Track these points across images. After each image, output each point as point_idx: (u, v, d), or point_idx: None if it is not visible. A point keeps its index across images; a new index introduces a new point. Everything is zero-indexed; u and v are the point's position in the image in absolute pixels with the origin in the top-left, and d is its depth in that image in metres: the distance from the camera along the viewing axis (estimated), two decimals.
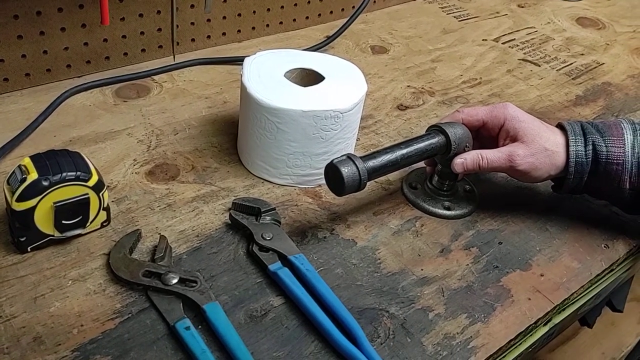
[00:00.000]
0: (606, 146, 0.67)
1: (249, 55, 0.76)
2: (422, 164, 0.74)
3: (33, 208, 0.57)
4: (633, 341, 1.31)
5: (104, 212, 0.63)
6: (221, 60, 0.96)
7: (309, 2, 1.07)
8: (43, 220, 0.59)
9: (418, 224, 0.71)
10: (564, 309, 0.67)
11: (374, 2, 1.18)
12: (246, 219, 0.66)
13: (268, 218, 0.66)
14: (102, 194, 0.61)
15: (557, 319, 0.66)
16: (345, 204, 0.73)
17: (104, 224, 0.64)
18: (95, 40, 0.87)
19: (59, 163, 0.58)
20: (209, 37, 0.98)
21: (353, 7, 1.12)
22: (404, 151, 0.66)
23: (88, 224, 0.62)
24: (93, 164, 0.61)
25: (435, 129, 0.70)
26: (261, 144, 0.72)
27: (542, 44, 1.16)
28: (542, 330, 0.65)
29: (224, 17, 0.98)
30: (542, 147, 0.67)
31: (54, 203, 0.58)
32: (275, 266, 0.61)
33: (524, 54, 1.11)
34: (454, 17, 1.22)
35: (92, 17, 0.84)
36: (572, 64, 1.10)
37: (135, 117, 0.82)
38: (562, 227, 0.73)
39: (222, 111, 0.86)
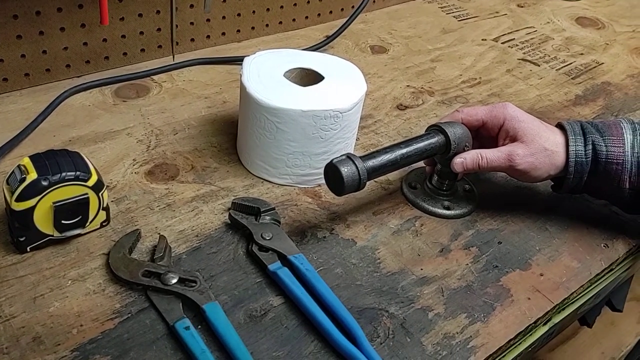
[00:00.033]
0: (606, 146, 0.67)
1: (248, 55, 0.76)
2: (421, 163, 0.74)
3: (32, 208, 0.57)
4: (633, 341, 1.31)
5: (104, 212, 0.63)
6: (220, 60, 0.96)
7: (308, 2, 1.07)
8: (42, 220, 0.59)
9: (418, 223, 0.71)
10: (563, 309, 0.67)
11: (374, 1, 1.18)
12: (246, 219, 0.66)
13: (267, 218, 0.66)
14: (102, 194, 0.61)
15: (556, 319, 0.66)
16: (345, 203, 0.73)
17: (104, 224, 0.64)
18: (94, 40, 0.87)
19: (58, 163, 0.58)
20: (208, 37, 0.98)
21: (352, 6, 1.13)
22: (404, 151, 0.66)
23: (87, 223, 0.62)
24: (92, 164, 0.61)
25: (435, 129, 0.70)
26: (261, 144, 0.72)
27: (541, 44, 1.16)
28: (542, 330, 0.65)
29: (224, 17, 0.98)
30: (541, 147, 0.67)
31: (54, 203, 0.58)
32: (274, 266, 0.61)
33: (524, 53, 1.11)
34: (454, 16, 1.22)
35: (92, 17, 0.84)
36: (571, 63, 1.10)
37: (134, 117, 0.82)
38: (561, 226, 0.73)
39: (222, 111, 0.86)
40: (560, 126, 0.70)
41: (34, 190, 0.56)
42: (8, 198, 0.57)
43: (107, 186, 0.69)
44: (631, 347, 1.29)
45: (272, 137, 0.70)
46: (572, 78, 1.05)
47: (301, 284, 0.60)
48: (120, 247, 0.61)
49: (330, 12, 1.12)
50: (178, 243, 0.64)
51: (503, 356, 0.61)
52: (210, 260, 0.63)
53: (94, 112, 0.82)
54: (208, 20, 0.97)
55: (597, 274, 0.69)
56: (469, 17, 1.23)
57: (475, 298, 0.63)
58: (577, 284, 0.66)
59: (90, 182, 0.59)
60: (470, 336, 0.59)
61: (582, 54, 1.14)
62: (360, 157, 0.63)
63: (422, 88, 0.97)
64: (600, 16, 1.30)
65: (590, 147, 0.67)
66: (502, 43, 1.14)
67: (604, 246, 0.72)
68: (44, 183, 0.57)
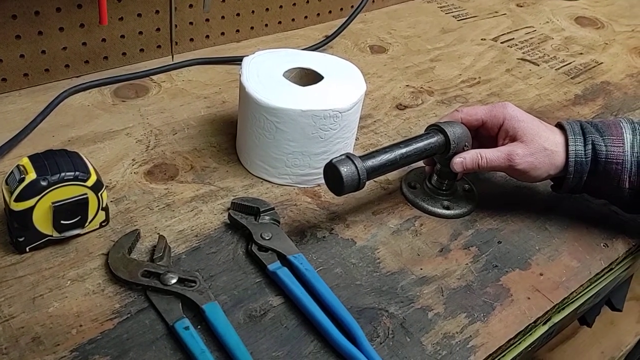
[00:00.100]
0: (605, 145, 0.67)
1: (247, 55, 0.76)
2: (421, 163, 0.74)
3: (31, 208, 0.57)
4: (632, 340, 1.31)
5: (103, 212, 0.63)
6: (220, 60, 0.96)
7: (307, 1, 1.07)
8: (41, 221, 0.59)
9: (417, 223, 0.71)
10: (563, 308, 0.67)
11: (373, 1, 1.18)
12: (245, 219, 0.66)
13: (267, 218, 0.66)
14: (101, 194, 0.61)
15: (556, 318, 0.66)
16: (345, 203, 0.73)
17: (103, 224, 0.64)
18: (93, 40, 0.87)
19: (57, 163, 0.58)
20: (207, 36, 0.98)
21: (352, 6, 1.13)
22: (403, 150, 0.66)
23: (87, 224, 0.62)
24: (92, 164, 0.61)
25: (434, 129, 0.70)
26: (260, 144, 0.72)
27: (541, 44, 1.16)
28: (542, 330, 0.65)
29: (223, 17, 0.98)
30: (541, 147, 0.67)
31: (53, 203, 0.58)
32: (274, 266, 0.61)
33: (523, 53, 1.11)
34: (453, 16, 1.22)
35: (91, 17, 0.84)
36: (571, 63, 1.10)
37: (133, 117, 0.82)
38: (561, 226, 0.73)
39: (221, 111, 0.86)
40: (559, 126, 0.70)
41: (33, 190, 0.56)
42: (7, 198, 0.57)
43: (107, 186, 0.69)
44: (631, 347, 1.29)
45: (272, 137, 0.70)
46: (571, 78, 1.05)
47: (301, 284, 0.60)
48: (120, 247, 0.61)
49: (330, 12, 1.12)
50: (177, 243, 0.64)
51: (503, 356, 0.61)
52: (210, 260, 0.63)
53: (93, 112, 0.82)
54: (207, 20, 0.97)
55: (597, 274, 0.69)
56: (468, 16, 1.22)
57: (475, 298, 0.63)
58: (576, 283, 0.66)
59: (90, 182, 0.59)
60: (470, 336, 0.59)
61: (581, 53, 1.14)
62: (360, 157, 0.63)
63: (421, 88, 0.97)
64: (600, 16, 1.30)
65: (590, 146, 0.67)
66: (501, 43, 1.14)
67: (603, 246, 0.72)
68: (43, 183, 0.56)
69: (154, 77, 0.90)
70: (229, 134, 0.81)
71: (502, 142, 0.70)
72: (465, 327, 0.60)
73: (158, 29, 0.92)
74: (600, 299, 0.82)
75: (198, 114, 0.84)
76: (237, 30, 1.01)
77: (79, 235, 0.63)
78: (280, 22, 1.06)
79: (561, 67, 1.08)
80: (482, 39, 1.14)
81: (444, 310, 0.61)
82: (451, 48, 1.10)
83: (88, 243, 0.63)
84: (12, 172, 0.58)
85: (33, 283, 0.58)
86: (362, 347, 0.55)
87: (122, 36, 0.89)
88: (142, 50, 0.92)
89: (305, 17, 1.09)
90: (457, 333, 0.59)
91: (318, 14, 1.10)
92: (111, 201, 0.68)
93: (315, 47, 1.00)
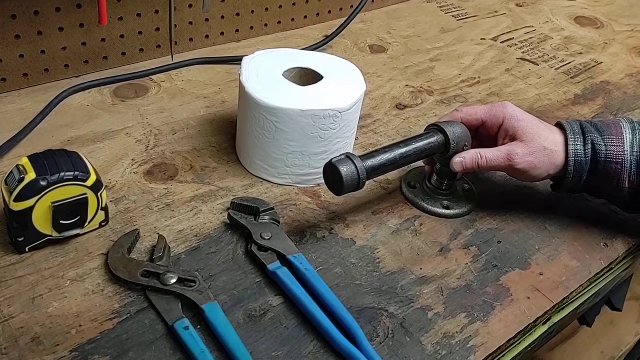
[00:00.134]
0: (605, 145, 0.67)
1: (247, 55, 0.76)
2: (421, 163, 0.74)
3: (31, 208, 0.57)
4: (632, 340, 1.31)
5: (103, 212, 0.63)
6: (219, 59, 0.96)
7: (307, 1, 1.07)
8: (41, 221, 0.58)
9: (417, 223, 0.71)
10: (563, 308, 0.67)
11: (372, 1, 1.18)
12: (245, 219, 0.66)
13: (267, 218, 0.66)
14: (101, 194, 0.61)
15: (556, 318, 0.66)
16: (344, 203, 0.73)
17: (103, 224, 0.64)
18: (93, 40, 0.86)
19: (57, 163, 0.58)
20: (207, 36, 0.98)
21: (351, 6, 1.12)
22: (403, 150, 0.66)
23: (86, 224, 0.62)
24: (91, 164, 0.61)
25: (434, 128, 0.70)
26: (260, 144, 0.72)
27: (540, 43, 1.16)
28: (542, 330, 0.65)
29: (222, 17, 0.98)
30: (541, 146, 0.67)
31: (52, 203, 0.58)
32: (274, 266, 0.61)
33: (523, 53, 1.11)
34: (453, 16, 1.22)
35: (90, 17, 0.84)
36: (570, 63, 1.10)
37: (133, 117, 0.82)
38: (561, 226, 0.73)
39: (221, 111, 0.86)
40: (559, 125, 0.70)
41: (32, 190, 0.56)
42: (7, 198, 0.57)
43: (106, 186, 0.69)
44: (631, 347, 1.29)
45: (271, 137, 0.70)
46: (571, 77, 1.05)
47: (300, 284, 0.60)
48: (119, 247, 0.61)
49: (329, 11, 1.12)
50: (177, 243, 0.64)
51: (503, 356, 0.61)
52: (210, 260, 0.63)
53: (93, 112, 0.82)
54: (207, 20, 0.97)
55: (597, 273, 0.69)
56: (468, 16, 1.22)
57: (474, 297, 0.63)
58: (576, 283, 0.66)
59: (89, 182, 0.59)
60: (470, 336, 0.59)
61: (581, 53, 1.14)
62: (360, 157, 0.63)
63: (421, 87, 0.97)
64: (599, 15, 1.30)
65: (589, 146, 0.67)
66: (501, 42, 1.14)
67: (603, 245, 0.72)
68: (43, 183, 0.56)
69: (154, 77, 0.90)
70: (229, 134, 0.81)
71: (501, 142, 0.70)
72: (465, 327, 0.60)
73: (158, 29, 0.92)
74: (600, 299, 0.82)
75: (198, 113, 0.84)
76: (237, 30, 1.01)
77: (78, 235, 0.63)
78: (279, 22, 1.06)
79: (561, 66, 1.08)
80: (481, 39, 1.14)
81: (444, 310, 0.61)
82: (451, 48, 1.10)
83: (88, 243, 0.63)
84: (11, 172, 0.58)
85: (33, 283, 0.58)
86: (362, 347, 0.55)
87: (122, 36, 0.89)
88: (141, 50, 0.92)
89: (305, 17, 1.09)
90: (457, 333, 0.59)
91: (318, 14, 1.10)
92: (111, 201, 0.68)
93: (315, 47, 1.00)
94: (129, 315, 0.56)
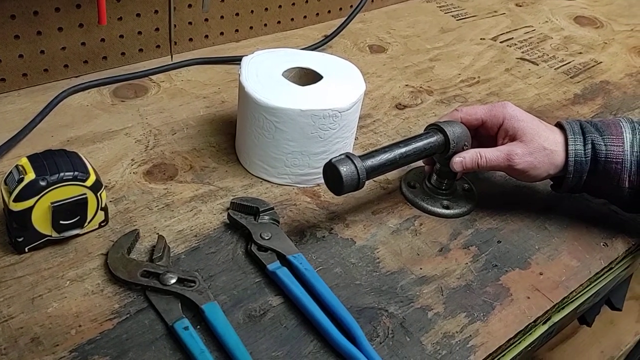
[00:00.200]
0: (605, 145, 0.67)
1: (246, 55, 0.76)
2: (420, 162, 0.74)
3: (30, 208, 0.57)
4: (632, 340, 1.31)
5: (102, 212, 0.63)
6: (219, 59, 0.96)
7: (306, 1, 1.07)
8: (40, 221, 0.58)
9: (417, 223, 0.71)
10: (563, 308, 0.67)
11: (372, 1, 1.18)
12: (244, 219, 0.66)
13: (266, 217, 0.66)
14: (100, 194, 0.61)
15: (556, 318, 0.66)
16: (344, 203, 0.73)
17: (102, 224, 0.64)
18: (92, 40, 0.86)
19: (56, 163, 0.58)
20: (206, 36, 0.98)
21: (351, 6, 1.12)
22: (403, 150, 0.66)
23: (86, 224, 0.62)
24: (91, 164, 0.61)
25: (434, 128, 0.70)
26: (259, 144, 0.71)
27: (540, 43, 1.16)
28: (541, 329, 0.65)
29: (222, 17, 0.98)
30: (540, 146, 0.67)
31: (52, 203, 0.58)
32: (273, 266, 0.61)
33: (522, 52, 1.11)
34: (452, 16, 1.22)
35: (90, 17, 0.84)
36: (570, 62, 1.10)
37: (133, 117, 0.82)
38: (561, 225, 0.73)
39: (220, 111, 0.85)
40: (559, 125, 0.70)
41: (32, 190, 0.56)
42: (6, 198, 0.57)
43: (106, 186, 0.69)
44: (630, 346, 1.29)
45: (271, 137, 0.70)
46: (570, 77, 1.05)
47: (300, 284, 0.60)
48: (119, 247, 0.61)
49: (329, 11, 1.12)
50: (177, 243, 0.64)
51: (503, 355, 0.61)
52: (209, 260, 0.63)
53: (92, 112, 0.82)
54: (206, 20, 0.97)
55: (597, 273, 0.69)
56: (467, 16, 1.22)
57: (474, 297, 0.63)
58: (576, 282, 0.66)
59: (89, 182, 0.59)
60: (470, 335, 0.59)
61: (580, 53, 1.14)
62: (359, 157, 0.63)
63: (420, 87, 0.97)
64: (599, 15, 1.30)
65: (589, 146, 0.67)
66: (500, 42, 1.14)
67: (603, 245, 0.72)
68: (42, 183, 0.56)
69: (153, 77, 0.90)
70: (228, 134, 0.81)
71: (501, 142, 0.70)
72: (465, 326, 0.60)
73: (157, 29, 0.92)
74: (600, 299, 0.82)
75: (197, 113, 0.84)
76: (236, 30, 1.01)
77: (78, 235, 0.63)
78: (279, 22, 1.06)
79: (560, 66, 1.08)
80: (481, 39, 1.14)
81: (444, 309, 0.61)
82: (450, 48, 1.10)
83: (87, 243, 0.63)
84: (11, 172, 0.58)
85: (32, 283, 0.58)
86: (361, 346, 0.55)
87: (121, 36, 0.89)
88: (141, 50, 0.92)
89: (305, 16, 1.09)
90: (456, 333, 0.59)
91: (317, 14, 1.10)
92: (110, 201, 0.68)
93: (314, 47, 1.00)
94: (128, 315, 0.56)
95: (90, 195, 0.60)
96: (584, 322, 1.10)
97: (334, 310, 0.58)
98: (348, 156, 0.62)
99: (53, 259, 0.61)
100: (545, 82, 1.03)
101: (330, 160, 0.62)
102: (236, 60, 0.96)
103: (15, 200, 0.56)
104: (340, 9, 1.13)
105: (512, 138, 0.68)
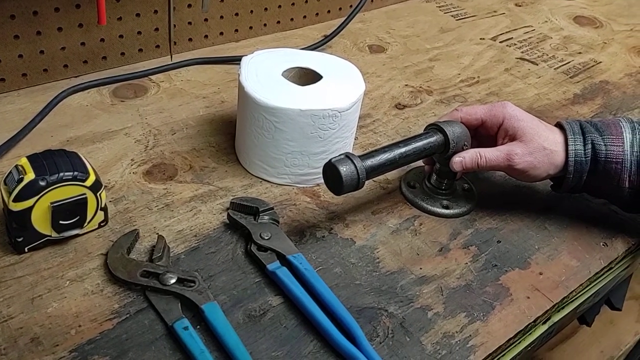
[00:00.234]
0: (605, 145, 0.67)
1: (246, 55, 0.76)
2: (420, 162, 0.74)
3: (30, 208, 0.57)
4: (632, 339, 1.32)
5: (102, 212, 0.63)
6: (219, 59, 0.96)
7: (306, 1, 1.07)
8: (40, 221, 0.58)
9: (417, 222, 0.71)
10: (562, 308, 0.67)
11: (372, 1, 1.18)
12: (244, 219, 0.66)
13: (266, 217, 0.66)
14: (100, 194, 0.61)
15: (556, 318, 0.66)
16: (344, 203, 0.73)
17: (102, 224, 0.64)
18: (92, 40, 0.86)
19: (56, 163, 0.58)
20: (206, 36, 0.98)
21: (350, 6, 1.12)
22: (402, 150, 0.66)
23: (85, 224, 0.62)
24: (90, 164, 0.61)
25: (434, 128, 0.70)
26: (259, 144, 0.71)
27: (539, 43, 1.16)
28: (541, 329, 0.65)
29: (222, 17, 0.98)
30: (540, 146, 0.67)
31: (51, 203, 0.58)
32: (273, 266, 0.61)
33: (522, 52, 1.11)
34: (452, 16, 1.22)
35: (89, 17, 0.84)
36: (569, 62, 1.10)
37: (132, 117, 0.82)
38: (561, 225, 0.73)
39: (220, 111, 0.85)
40: (559, 125, 0.70)
41: (31, 190, 0.56)
42: (5, 198, 0.57)
43: (105, 186, 0.68)
44: (630, 346, 1.29)
45: (271, 137, 0.70)
46: (570, 77, 1.05)
47: (300, 284, 0.60)
48: (119, 248, 0.61)
49: (328, 11, 1.12)
50: (176, 243, 0.64)
51: (502, 355, 0.61)
52: (209, 260, 0.63)
53: (92, 112, 0.82)
54: (206, 20, 0.96)
55: (596, 273, 0.69)
56: (466, 16, 1.22)
57: (474, 297, 0.63)
58: (576, 282, 0.66)
59: (88, 182, 0.59)
60: (470, 335, 0.59)
61: (580, 52, 1.14)
62: (359, 157, 0.63)
63: (420, 87, 0.97)
64: (598, 15, 1.30)
65: (589, 146, 0.67)
66: (500, 42, 1.14)
67: (603, 245, 0.72)
68: (42, 183, 0.56)
69: (153, 77, 0.90)
70: (228, 134, 0.81)
71: (501, 142, 0.70)
72: (465, 326, 0.60)
73: (157, 29, 0.92)
74: (599, 298, 0.82)
75: (197, 113, 0.84)
76: (236, 30, 1.01)
77: (77, 235, 0.62)
78: (279, 22, 1.06)
79: (560, 66, 1.08)
80: (480, 39, 1.14)
81: (444, 309, 0.61)
82: (450, 47, 1.10)
83: (87, 243, 0.63)
84: (10, 172, 0.58)
85: (32, 283, 0.58)
86: (361, 346, 0.55)
87: (121, 36, 0.89)
88: (140, 50, 0.92)
89: (304, 16, 1.09)
90: (456, 332, 0.59)
91: (317, 14, 1.10)
92: (110, 201, 0.68)
93: (314, 47, 1.00)
94: (128, 315, 0.56)
95: (89, 195, 0.60)
96: (584, 322, 1.10)
97: (333, 310, 0.58)
98: (348, 156, 0.62)
99: (53, 259, 0.61)
100: (545, 82, 1.03)
101: (330, 160, 0.62)
102: (236, 60, 0.96)
103: (14, 200, 0.56)
104: (340, 8, 1.13)
105: (512, 138, 0.68)
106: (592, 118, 0.94)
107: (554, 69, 1.07)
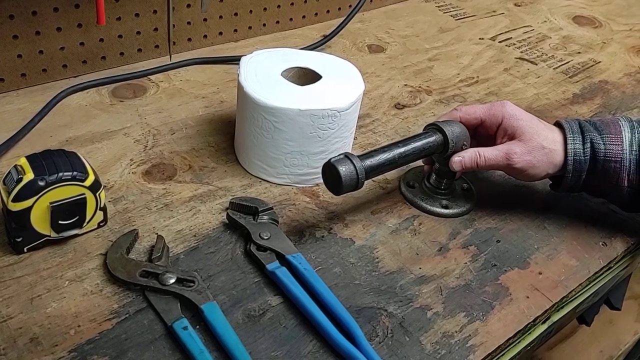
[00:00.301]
0: (604, 144, 0.67)
1: (245, 55, 0.76)
2: (420, 162, 0.74)
3: (29, 208, 0.57)
4: (631, 339, 1.32)
5: (101, 212, 0.63)
6: (218, 59, 0.96)
7: (305, 1, 1.07)
8: (39, 221, 0.58)
9: (416, 222, 0.71)
10: (562, 307, 0.67)
11: (371, 1, 1.18)
12: (244, 219, 0.66)
13: (265, 217, 0.66)
14: (99, 194, 0.61)
15: (555, 317, 0.66)
16: (343, 203, 0.72)
17: (101, 224, 0.64)
18: (91, 40, 0.86)
19: (55, 163, 0.58)
20: (205, 36, 0.98)
21: (350, 6, 1.12)
22: (402, 150, 0.66)
23: (85, 224, 0.62)
24: (89, 164, 0.61)
25: (433, 128, 0.70)
26: (258, 143, 0.71)
27: (538, 43, 1.16)
28: (541, 329, 0.65)
29: (221, 17, 0.98)
30: (539, 145, 0.67)
31: (51, 203, 0.58)
32: (273, 265, 0.61)
33: (521, 52, 1.11)
34: (451, 16, 1.22)
35: (88, 17, 0.84)
36: (568, 62, 1.10)
37: (131, 117, 0.82)
38: (560, 225, 0.73)
39: (219, 111, 0.85)
40: (558, 124, 0.70)
41: (30, 190, 0.56)
42: (5, 198, 0.57)
43: (105, 186, 0.69)
44: (630, 346, 1.29)
45: (270, 137, 0.70)
46: (569, 77, 1.05)
47: (299, 284, 0.59)
48: (118, 248, 0.61)
49: (328, 11, 1.12)
50: (176, 243, 0.64)
51: (502, 355, 0.61)
52: (208, 260, 0.63)
53: (91, 112, 0.82)
54: (205, 19, 0.96)
55: (596, 272, 0.69)
56: (466, 16, 1.23)
57: (474, 297, 0.63)
58: (575, 282, 0.66)
59: (88, 182, 0.59)
60: (469, 335, 0.59)
61: (579, 52, 1.14)
62: (358, 157, 0.63)
63: (419, 87, 0.97)
64: (597, 15, 1.30)
65: (588, 145, 0.67)
66: (499, 42, 1.14)
67: (602, 244, 0.72)
68: (41, 183, 0.56)
69: (152, 77, 0.90)
70: (227, 134, 0.81)
71: (500, 141, 0.70)
72: (465, 326, 0.60)
73: (156, 29, 0.92)
74: (599, 298, 0.82)
75: (196, 113, 0.84)
76: (235, 30, 1.01)
77: (77, 235, 0.62)
78: (278, 22, 1.06)
79: (559, 66, 1.08)
80: (480, 39, 1.14)
81: (443, 309, 0.61)
82: (449, 47, 1.10)
83: (86, 243, 0.63)
84: (9, 172, 0.58)
85: (31, 283, 0.58)
86: (361, 346, 0.55)
87: (120, 36, 0.89)
88: (139, 50, 0.92)
89: (303, 16, 1.09)
90: (456, 332, 0.59)
91: (316, 14, 1.10)
92: (109, 201, 0.68)
93: (313, 47, 1.00)
94: (127, 315, 0.56)
95: (89, 195, 0.60)
96: (583, 322, 1.10)
97: (333, 310, 0.58)
98: (347, 156, 0.62)
99: (52, 259, 0.61)
100: (544, 81, 1.03)
101: (329, 160, 0.62)
102: (235, 60, 0.96)
103: (14, 200, 0.56)
104: (339, 8, 1.13)
105: (511, 137, 0.68)
106: (591, 117, 0.94)
107: (553, 68, 1.07)
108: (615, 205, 0.73)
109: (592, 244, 0.71)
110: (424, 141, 0.68)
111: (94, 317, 0.56)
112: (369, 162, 0.63)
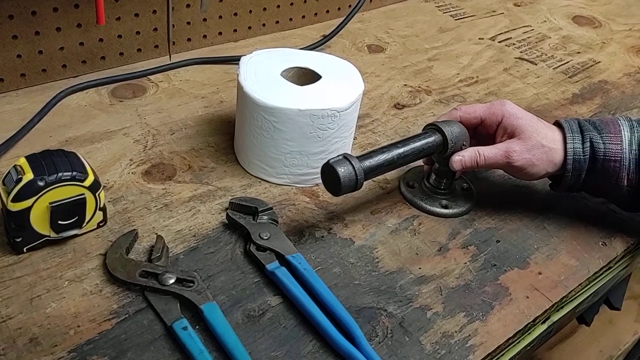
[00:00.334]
0: (604, 143, 0.67)
1: (245, 55, 0.76)
2: (420, 162, 0.74)
3: (29, 208, 0.57)
4: (631, 339, 1.32)
5: (101, 213, 0.63)
6: (217, 59, 0.96)
7: (305, 1, 1.07)
8: (39, 221, 0.58)
9: (416, 222, 0.71)
10: (562, 307, 0.67)
11: (370, 1, 1.18)
12: (243, 219, 0.66)
13: (265, 217, 0.66)
14: (99, 194, 0.61)
15: (555, 317, 0.66)
16: (343, 203, 0.72)
17: (101, 224, 0.64)
18: (90, 40, 0.86)
19: (54, 163, 0.58)
20: (205, 36, 0.98)
21: (349, 6, 1.12)
22: (401, 150, 0.66)
23: (84, 224, 0.62)
24: (89, 164, 0.61)
25: (432, 128, 0.70)
26: (258, 144, 0.71)
27: (538, 43, 1.16)
28: (540, 329, 0.65)
29: (220, 17, 0.98)
30: (539, 144, 0.67)
31: (50, 203, 0.58)
32: (272, 266, 0.61)
33: (521, 52, 1.11)
34: (450, 15, 1.22)
35: (88, 17, 0.84)
36: (568, 62, 1.10)
37: (131, 117, 0.82)
38: (559, 225, 0.73)
39: (219, 111, 0.85)
40: (558, 124, 0.70)
41: (30, 190, 0.56)
42: (4, 198, 0.57)
43: (104, 186, 0.68)
44: (629, 346, 1.29)
45: (270, 137, 0.70)
46: (569, 77, 1.05)
47: (299, 284, 0.59)
48: (118, 248, 0.61)
49: (327, 11, 1.12)
50: (175, 243, 0.64)
51: (502, 355, 0.61)
52: (208, 260, 0.63)
53: (91, 112, 0.82)
54: (205, 19, 0.96)
55: (595, 272, 0.69)
56: (465, 16, 1.23)
57: (473, 297, 0.63)
58: (575, 282, 0.66)
59: (87, 183, 0.59)
60: (469, 335, 0.59)
61: (579, 52, 1.14)
62: (357, 157, 0.63)
63: (419, 87, 0.97)
64: (597, 15, 1.30)
65: (588, 144, 0.67)
66: (499, 42, 1.14)
67: (602, 244, 0.72)
68: (40, 183, 0.56)
69: (152, 77, 0.90)
70: (227, 134, 0.81)
71: (500, 140, 0.70)
72: (464, 326, 0.60)
73: (155, 29, 0.92)
74: (598, 298, 0.82)
75: (196, 113, 0.84)
76: (235, 30, 1.01)
77: (76, 235, 0.62)
78: (277, 22, 1.06)
79: (559, 66, 1.08)
80: (479, 38, 1.14)
81: (443, 309, 0.61)
82: (449, 47, 1.10)
83: (86, 243, 0.63)
84: (9, 172, 0.58)
85: (30, 284, 0.58)
86: (360, 346, 0.55)
87: (120, 36, 0.89)
88: (139, 50, 0.92)
89: (303, 16, 1.09)
90: (456, 332, 0.59)
91: (315, 14, 1.10)
92: (109, 201, 0.68)
93: (313, 47, 1.00)
94: (127, 315, 0.56)
95: (88, 196, 0.60)
96: (583, 322, 1.10)
97: (332, 310, 0.58)
98: (346, 157, 0.62)
99: (51, 259, 0.61)
100: (544, 81, 1.03)
101: (328, 161, 0.62)
102: (234, 60, 0.96)
103: (13, 201, 0.56)
104: (339, 8, 1.13)
105: (511, 135, 0.68)
106: (590, 117, 0.94)
107: (553, 68, 1.07)
108: (614, 204, 0.73)
109: (592, 244, 0.71)
110: (423, 141, 0.68)
111: (93, 317, 0.56)
112: (367, 163, 0.63)
